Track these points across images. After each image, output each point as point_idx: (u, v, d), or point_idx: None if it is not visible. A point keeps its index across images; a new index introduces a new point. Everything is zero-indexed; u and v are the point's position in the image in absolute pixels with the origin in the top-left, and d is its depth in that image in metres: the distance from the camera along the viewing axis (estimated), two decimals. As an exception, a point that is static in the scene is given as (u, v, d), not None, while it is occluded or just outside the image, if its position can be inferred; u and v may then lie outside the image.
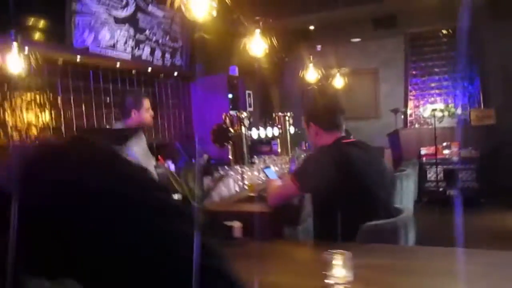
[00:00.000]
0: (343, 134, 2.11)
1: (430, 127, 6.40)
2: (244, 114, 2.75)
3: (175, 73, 5.32)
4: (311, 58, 6.46)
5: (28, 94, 3.62)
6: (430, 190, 6.34)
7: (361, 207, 1.88)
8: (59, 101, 3.92)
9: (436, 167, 6.24)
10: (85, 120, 4.13)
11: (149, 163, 2.59)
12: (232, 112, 2.80)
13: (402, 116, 7.20)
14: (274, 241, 1.88)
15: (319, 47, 7.54)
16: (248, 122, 2.79)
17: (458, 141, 6.43)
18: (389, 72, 7.32)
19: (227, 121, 2.81)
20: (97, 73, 4.34)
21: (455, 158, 6.34)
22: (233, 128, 2.74)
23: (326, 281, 1.31)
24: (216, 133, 2.78)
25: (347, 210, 1.90)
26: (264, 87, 6.52)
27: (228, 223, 1.95)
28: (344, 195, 1.90)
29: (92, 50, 3.94)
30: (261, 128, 3.08)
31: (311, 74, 4.55)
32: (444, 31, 6.78)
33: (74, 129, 3.99)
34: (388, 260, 1.53)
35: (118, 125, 3.08)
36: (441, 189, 6.32)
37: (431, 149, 6.31)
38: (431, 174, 6.41)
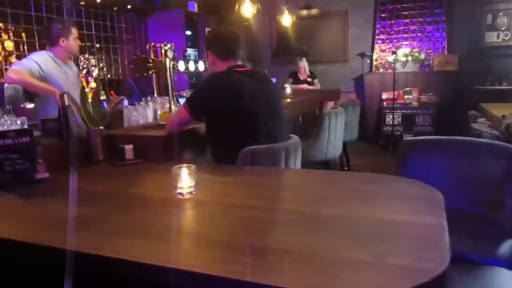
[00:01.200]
0: (239, 63, 2.13)
1: (395, 71, 6.40)
2: (168, 46, 2.72)
3: (129, 7, 5.17)
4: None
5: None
6: (387, 134, 6.47)
7: (244, 131, 1.95)
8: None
9: (393, 112, 6.33)
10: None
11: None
12: (157, 44, 2.76)
13: (368, 61, 7.17)
14: (160, 162, 1.97)
15: (290, -14, 7.30)
16: (172, 54, 2.77)
17: (419, 87, 6.48)
18: (359, 15, 7.17)
19: (151, 52, 2.78)
20: (39, 2, 4.21)
21: (415, 104, 6.41)
22: (156, 59, 2.73)
23: (175, 192, 1.40)
24: (136, 62, 2.77)
25: (232, 134, 1.97)
26: (222, 25, 6.37)
27: (121, 146, 2.02)
28: (229, 119, 1.96)
29: (29, -24, 3.79)
30: (192, 62, 3.06)
31: (247, 9, 4.41)
32: (416, -27, 6.58)
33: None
34: (243, 177, 1.64)
35: (43, 53, 3.03)
36: (398, 133, 6.45)
37: (393, 94, 6.36)
38: (390, 119, 6.51)
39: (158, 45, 2.80)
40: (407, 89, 6.52)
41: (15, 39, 4.01)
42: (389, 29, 6.96)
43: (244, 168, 1.79)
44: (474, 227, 1.67)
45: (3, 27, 3.90)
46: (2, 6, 3.87)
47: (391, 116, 6.47)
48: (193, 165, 1.41)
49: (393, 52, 6.47)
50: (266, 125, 2.01)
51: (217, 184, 1.59)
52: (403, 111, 6.44)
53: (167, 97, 2.79)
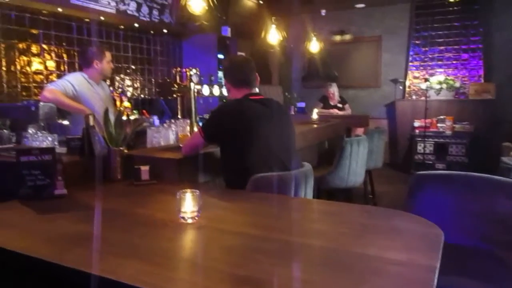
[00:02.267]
0: (254, 91, 2.19)
1: (428, 99, 6.28)
2: (193, 71, 2.84)
3: (165, 30, 5.41)
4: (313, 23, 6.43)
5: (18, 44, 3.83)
6: (418, 162, 6.32)
7: (254, 158, 1.99)
8: (41, 51, 4.12)
9: (424, 140, 6.18)
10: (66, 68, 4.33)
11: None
12: (183, 69, 2.88)
13: (401, 87, 7.08)
14: (174, 184, 2.03)
15: (323, 11, 7.41)
16: (197, 78, 2.88)
17: (453, 115, 6.31)
18: (392, 41, 7.14)
19: (177, 76, 2.90)
20: (81, 26, 4.49)
21: (448, 132, 6.25)
22: (181, 83, 2.84)
23: (179, 215, 1.45)
24: (161, 86, 2.90)
25: (243, 160, 2.01)
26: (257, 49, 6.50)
27: (137, 167, 2.11)
28: (240, 145, 2.00)
29: (73, 2, 4.06)
30: (216, 87, 3.16)
31: (273, 36, 4.48)
32: (452, 0, 6.50)
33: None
34: (247, 204, 1.66)
35: (78, 74, 3.23)
36: (429, 162, 6.28)
37: (424, 122, 6.23)
38: (421, 147, 6.36)
39: (184, 70, 2.92)
40: (441, 117, 6.36)
41: (57, 59, 4.28)
42: (423, 56, 6.87)
43: (251, 194, 1.82)
44: (482, 266, 1.61)
45: (47, 48, 4.19)
46: (47, 28, 4.16)
47: (422, 145, 6.32)
48: (197, 191, 1.46)
49: (426, 79, 6.37)
50: (277, 153, 2.04)
51: (220, 209, 1.63)
52: (436, 139, 6.29)
53: (189, 120, 2.90)
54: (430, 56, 6.82)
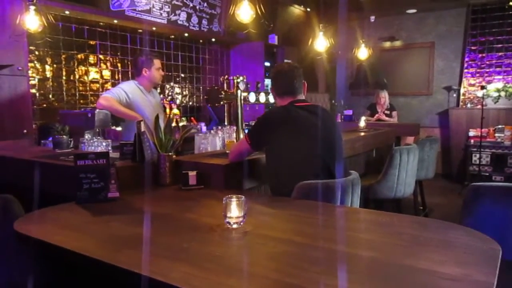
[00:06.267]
0: (299, 98, 2.18)
1: (485, 107, 5.96)
2: (240, 79, 2.88)
3: (213, 39, 5.54)
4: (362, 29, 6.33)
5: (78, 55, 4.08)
6: (474, 174, 5.99)
7: (300, 165, 1.97)
8: (97, 61, 4.35)
9: (480, 150, 5.86)
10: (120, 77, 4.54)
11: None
12: (231, 77, 2.94)
13: (455, 95, 6.78)
14: (221, 189, 2.06)
15: (372, 17, 7.26)
16: (244, 86, 2.92)
17: (512, 125, 5.95)
18: (446, 47, 6.86)
19: (224, 84, 2.96)
20: (135, 37, 4.70)
21: (507, 143, 5.89)
22: (228, 90, 2.89)
23: (225, 221, 1.47)
24: (209, 94, 2.95)
25: (288, 167, 2.00)
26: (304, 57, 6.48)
27: (185, 172, 2.16)
28: (285, 153, 2.00)
29: (128, 13, 4.26)
30: (263, 94, 3.19)
31: (320, 44, 4.42)
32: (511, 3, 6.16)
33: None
34: (292, 211, 1.65)
35: (131, 83, 3.37)
36: (486, 174, 5.94)
37: (480, 132, 5.91)
38: (476, 158, 6.04)
39: (232, 78, 2.97)
40: (499, 126, 6.02)
41: (111, 68, 4.50)
42: (479, 62, 6.54)
43: (296, 202, 1.80)
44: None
45: (103, 58, 4.41)
46: (104, 39, 4.39)
47: (478, 155, 5.99)
48: (243, 196, 1.47)
49: (483, 87, 6.05)
50: (323, 160, 2.02)
51: (266, 216, 1.63)
52: (493, 150, 5.94)
53: (235, 127, 2.93)
54: (487, 62, 6.48)
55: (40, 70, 3.89)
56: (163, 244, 1.27)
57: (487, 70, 6.48)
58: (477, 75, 6.58)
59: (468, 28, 6.61)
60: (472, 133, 6.16)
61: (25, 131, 3.41)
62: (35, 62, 3.84)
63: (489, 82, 6.38)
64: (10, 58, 3.28)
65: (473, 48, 6.59)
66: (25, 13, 3.14)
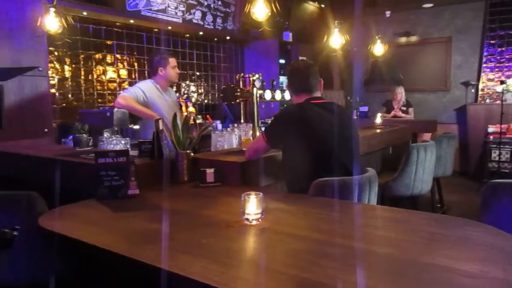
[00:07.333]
0: (315, 95, 2.18)
1: (505, 102, 5.84)
2: (256, 76, 2.90)
3: (228, 38, 5.56)
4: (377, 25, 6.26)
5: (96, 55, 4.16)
6: (493, 171, 5.89)
7: (316, 162, 1.98)
8: (114, 60, 4.42)
9: (499, 147, 5.75)
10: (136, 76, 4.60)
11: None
12: (246, 75, 2.95)
13: (473, 90, 6.66)
14: (237, 186, 2.08)
15: (388, 13, 7.19)
16: (260, 83, 2.93)
17: (533, 120, 5.82)
18: (463, 41, 6.74)
19: (240, 81, 2.97)
20: (150, 36, 4.76)
21: (527, 139, 5.77)
22: (244, 88, 2.91)
23: (243, 217, 1.50)
24: (224, 91, 2.98)
25: (304, 164, 2.01)
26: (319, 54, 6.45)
27: (203, 169, 2.19)
28: (301, 150, 2.00)
29: (144, 13, 4.32)
30: (278, 91, 3.20)
31: (335, 40, 4.39)
32: (532, -4, 6.02)
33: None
34: (309, 208, 1.66)
35: (148, 82, 3.41)
36: (505, 171, 5.84)
37: (500, 128, 5.81)
38: (496, 154, 5.93)
39: (247, 75, 2.98)
40: (519, 122, 5.90)
41: (128, 68, 4.57)
42: (498, 57, 6.42)
43: (313, 199, 1.81)
44: None
45: (120, 58, 4.48)
46: (120, 39, 4.46)
47: (497, 152, 5.89)
48: (261, 193, 1.49)
49: (502, 82, 5.93)
50: (339, 157, 2.02)
51: (283, 212, 1.64)
52: (513, 146, 5.83)
53: (251, 124, 2.95)
54: (507, 56, 6.36)
55: (60, 70, 3.97)
56: (182, 240, 1.29)
57: (507, 64, 6.35)
58: (496, 69, 6.45)
59: (486, 21, 6.49)
60: (491, 129, 6.05)
61: (46, 130, 3.50)
62: (55, 62, 3.92)
63: (508, 77, 6.25)
64: (31, 59, 3.36)
65: (492, 42, 6.46)
66: (45, 15, 3.21)
